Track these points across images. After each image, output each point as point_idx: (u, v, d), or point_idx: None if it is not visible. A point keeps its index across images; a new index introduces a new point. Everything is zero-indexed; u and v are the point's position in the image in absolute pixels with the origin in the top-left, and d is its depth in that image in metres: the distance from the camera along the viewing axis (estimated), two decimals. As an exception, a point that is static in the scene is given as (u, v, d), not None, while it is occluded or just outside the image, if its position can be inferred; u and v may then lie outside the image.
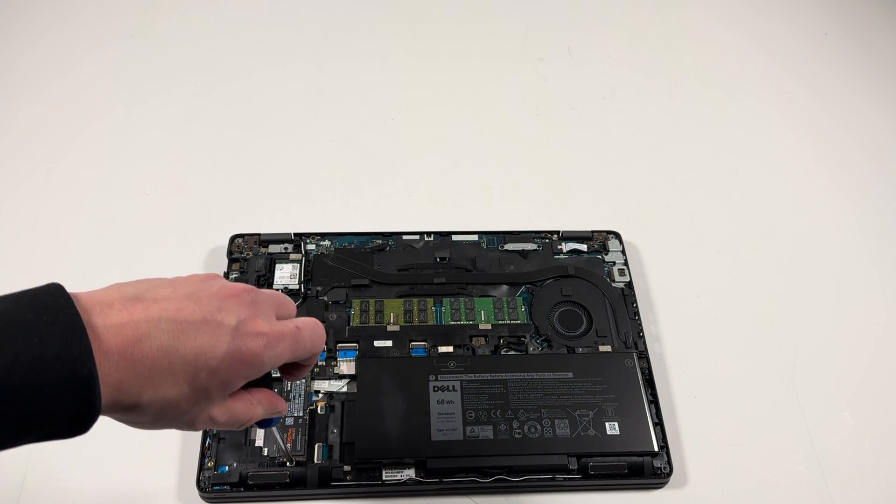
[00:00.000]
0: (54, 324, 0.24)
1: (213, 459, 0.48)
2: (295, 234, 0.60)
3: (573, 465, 0.49)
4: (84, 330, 0.25)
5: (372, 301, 0.56)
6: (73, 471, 0.49)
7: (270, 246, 0.59)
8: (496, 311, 0.56)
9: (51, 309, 0.24)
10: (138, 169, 0.67)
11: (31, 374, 0.23)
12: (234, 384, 0.30)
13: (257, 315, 0.31)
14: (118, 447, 0.50)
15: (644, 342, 0.56)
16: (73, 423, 0.26)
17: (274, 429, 0.49)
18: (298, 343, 0.32)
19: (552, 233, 0.62)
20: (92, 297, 0.27)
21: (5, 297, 0.25)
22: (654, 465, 0.49)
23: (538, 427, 0.49)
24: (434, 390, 0.50)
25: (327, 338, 0.53)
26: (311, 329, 0.33)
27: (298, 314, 0.34)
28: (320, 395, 0.51)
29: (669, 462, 0.50)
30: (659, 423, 0.51)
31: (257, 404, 0.32)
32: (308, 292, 0.57)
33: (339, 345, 0.54)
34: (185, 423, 0.30)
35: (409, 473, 0.48)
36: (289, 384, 0.51)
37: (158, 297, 0.29)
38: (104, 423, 0.53)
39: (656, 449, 0.49)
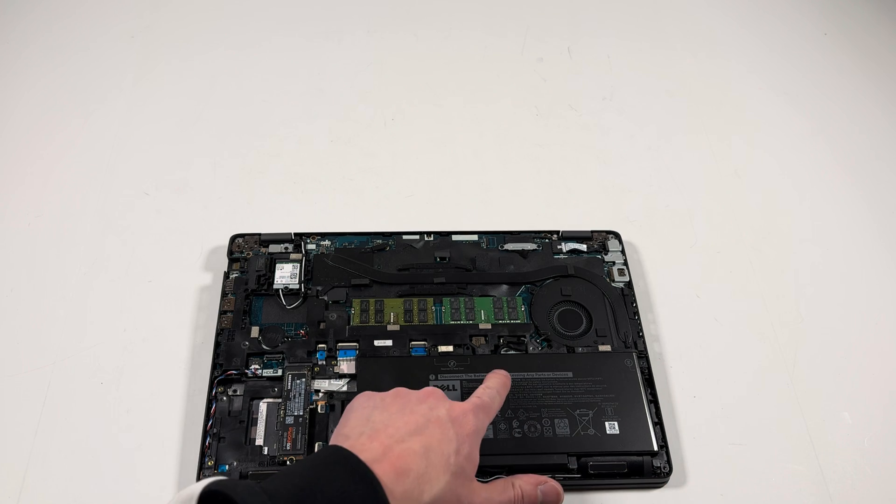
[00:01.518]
0: (352, 474, 0.33)
1: (214, 458, 0.48)
2: (295, 234, 0.60)
3: (573, 465, 0.49)
4: (370, 471, 0.33)
5: (372, 301, 0.56)
6: (73, 470, 0.49)
7: (271, 246, 0.59)
8: (496, 310, 0.56)
9: (346, 466, 0.33)
10: (138, 169, 0.67)
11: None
12: (475, 454, 0.38)
13: (451, 402, 0.40)
14: (118, 446, 0.50)
15: (644, 342, 0.56)
16: None
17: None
18: (492, 403, 0.41)
19: (552, 233, 0.62)
20: (354, 446, 0.35)
21: (325, 465, 0.33)
22: (654, 464, 0.49)
23: (538, 426, 0.49)
24: (434, 390, 0.51)
25: (327, 337, 0.54)
26: (496, 383, 0.44)
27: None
28: (320, 395, 0.51)
29: (669, 462, 0.50)
30: (658, 423, 0.51)
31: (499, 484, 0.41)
32: (308, 292, 0.57)
33: (340, 344, 0.54)
34: None
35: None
36: (290, 383, 0.51)
37: (387, 423, 0.37)
38: (103, 422, 0.53)
39: (656, 448, 0.49)
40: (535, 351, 0.54)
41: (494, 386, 0.43)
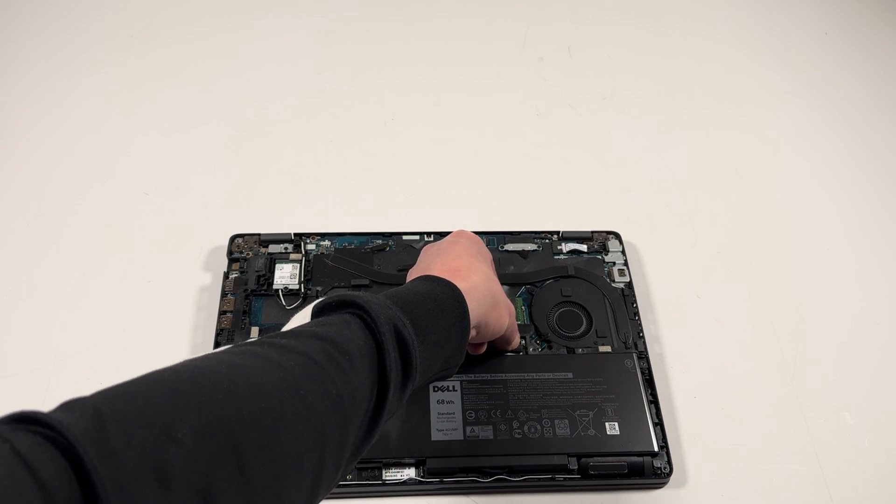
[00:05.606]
0: (439, 283, 0.42)
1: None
2: (295, 234, 0.60)
3: (573, 465, 0.49)
4: (445, 279, 0.42)
5: (372, 301, 0.56)
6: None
7: (270, 246, 0.59)
8: (496, 311, 0.56)
9: (431, 279, 0.42)
10: (138, 169, 0.67)
11: (444, 305, 0.40)
12: (491, 260, 0.54)
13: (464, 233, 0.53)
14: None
15: (644, 342, 0.56)
16: (460, 333, 0.41)
17: None
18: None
19: (552, 233, 0.62)
20: (448, 272, 0.44)
21: (407, 283, 0.43)
22: (654, 465, 0.49)
23: (538, 427, 0.49)
24: (434, 390, 0.50)
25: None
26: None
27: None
28: (320, 395, 0.51)
29: (669, 462, 0.50)
30: (659, 423, 0.51)
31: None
32: (308, 292, 0.57)
33: (339, 345, 0.54)
34: (501, 299, 0.47)
35: (410, 473, 0.48)
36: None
37: (430, 255, 0.49)
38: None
39: (656, 449, 0.49)
40: (535, 352, 0.54)
41: None
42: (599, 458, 0.49)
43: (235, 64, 0.76)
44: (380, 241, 0.60)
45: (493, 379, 0.51)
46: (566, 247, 0.61)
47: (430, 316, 0.38)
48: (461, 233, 0.52)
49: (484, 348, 0.51)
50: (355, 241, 0.60)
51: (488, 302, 0.45)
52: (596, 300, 0.58)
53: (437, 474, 0.48)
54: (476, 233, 0.61)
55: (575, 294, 0.58)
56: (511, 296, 0.57)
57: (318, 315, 0.37)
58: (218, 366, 0.29)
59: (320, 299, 0.38)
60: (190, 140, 0.69)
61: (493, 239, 0.61)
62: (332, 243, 0.60)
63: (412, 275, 0.47)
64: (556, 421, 0.50)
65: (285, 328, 0.36)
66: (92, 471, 0.22)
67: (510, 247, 0.61)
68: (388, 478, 0.48)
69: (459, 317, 0.40)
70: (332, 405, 0.30)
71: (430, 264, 0.47)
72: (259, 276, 0.57)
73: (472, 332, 0.43)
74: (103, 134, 0.69)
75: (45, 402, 0.52)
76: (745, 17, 0.87)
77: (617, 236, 0.62)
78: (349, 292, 0.37)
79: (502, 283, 0.58)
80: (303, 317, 0.38)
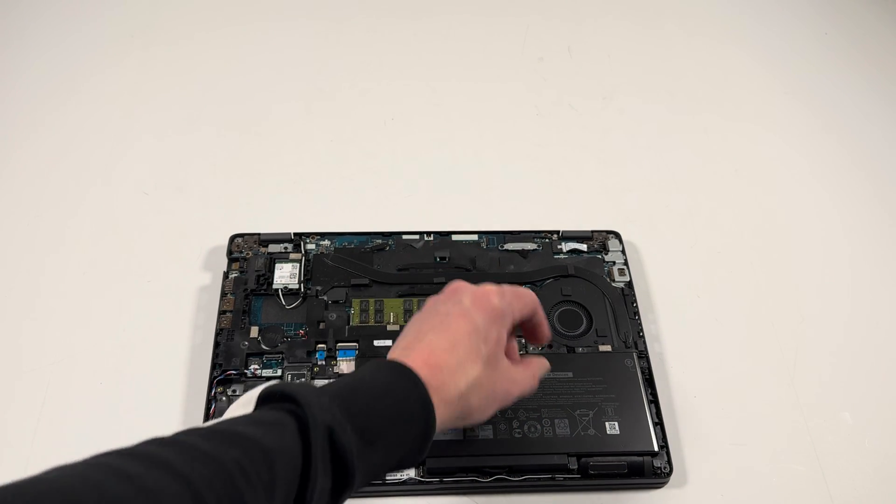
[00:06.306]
0: (391, 372, 0.36)
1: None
2: (295, 234, 0.60)
3: (573, 465, 0.49)
4: (408, 368, 0.36)
5: (372, 301, 0.56)
6: (72, 470, 0.49)
7: (270, 246, 0.59)
8: (496, 310, 0.56)
9: (386, 367, 0.36)
10: (138, 169, 0.67)
11: (404, 408, 0.35)
12: (502, 337, 0.41)
13: (473, 286, 0.42)
14: (117, 445, 0.50)
15: (644, 342, 0.56)
16: (422, 438, 0.35)
17: None
18: (507, 289, 0.42)
19: (552, 232, 0.62)
20: (390, 356, 0.38)
21: (368, 369, 0.37)
22: (654, 464, 0.49)
23: (538, 427, 0.49)
24: (434, 390, 0.50)
25: (327, 337, 0.54)
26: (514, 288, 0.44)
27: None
28: (320, 395, 0.51)
29: (669, 462, 0.50)
30: (659, 423, 0.51)
31: (534, 362, 0.44)
32: (308, 292, 0.57)
33: (339, 344, 0.54)
34: (501, 395, 0.40)
35: (409, 473, 0.48)
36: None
37: (416, 330, 0.40)
38: (103, 422, 0.53)
39: (656, 449, 0.49)
40: (535, 351, 0.54)
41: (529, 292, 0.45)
42: (599, 458, 0.49)
43: (236, 64, 0.76)
44: (380, 241, 0.60)
45: None
46: (566, 246, 0.61)
47: (384, 418, 0.34)
48: (460, 291, 0.42)
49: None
50: (355, 241, 0.60)
51: (474, 405, 0.38)
52: (596, 300, 0.57)
53: (437, 474, 0.48)
54: (476, 232, 0.61)
55: (575, 293, 0.58)
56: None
57: (262, 403, 0.34)
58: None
59: (269, 384, 0.34)
60: (190, 140, 0.69)
61: (493, 239, 0.61)
62: (331, 243, 0.60)
63: (396, 346, 0.40)
64: (556, 420, 0.50)
65: (226, 413, 0.34)
66: None
67: (510, 246, 0.61)
68: (387, 477, 0.48)
69: (421, 423, 0.35)
70: None
71: (413, 341, 0.39)
72: (259, 276, 0.57)
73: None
74: (103, 134, 0.69)
75: (44, 402, 0.52)
76: (745, 17, 0.87)
77: (617, 236, 0.62)
78: (296, 384, 0.33)
79: (502, 283, 0.58)
80: (246, 401, 0.35)
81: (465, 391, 0.37)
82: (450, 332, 0.38)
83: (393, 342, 0.53)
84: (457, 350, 0.38)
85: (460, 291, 0.41)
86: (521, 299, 0.43)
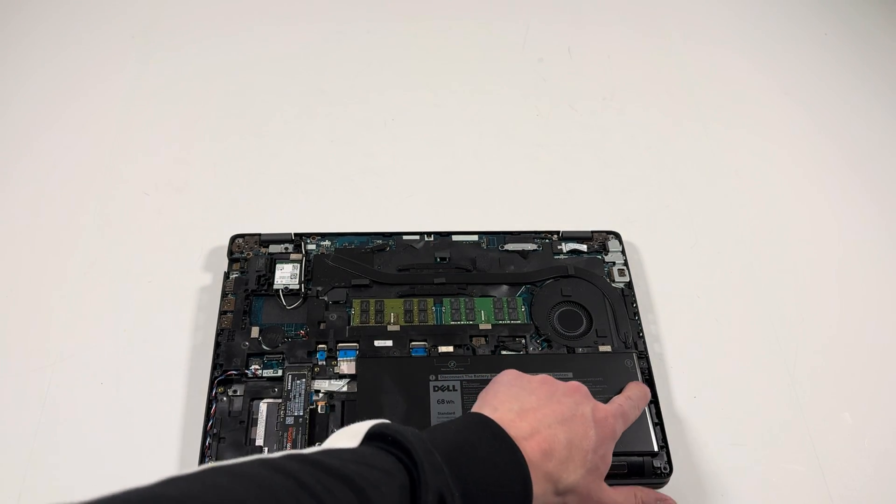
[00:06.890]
0: (501, 444, 0.36)
1: (214, 458, 0.48)
2: (295, 234, 0.60)
3: (573, 465, 0.49)
4: (517, 446, 0.36)
5: (372, 301, 0.56)
6: (72, 471, 0.49)
7: (271, 246, 0.59)
8: (496, 311, 0.56)
9: (496, 435, 0.36)
10: (138, 169, 0.67)
11: (506, 485, 0.35)
12: (609, 456, 0.41)
13: (595, 402, 0.42)
14: (118, 447, 0.50)
15: (644, 342, 0.56)
16: None
17: None
18: (630, 413, 0.45)
19: (552, 233, 0.62)
20: (502, 419, 0.37)
21: (454, 425, 0.36)
22: (654, 465, 0.49)
23: (538, 427, 0.49)
24: (434, 390, 0.50)
25: (328, 338, 0.54)
26: (637, 395, 0.47)
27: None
28: (320, 395, 0.51)
29: (669, 462, 0.50)
30: (659, 423, 0.51)
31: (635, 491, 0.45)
32: (308, 292, 0.57)
33: (340, 345, 0.54)
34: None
35: (410, 473, 0.48)
36: (290, 384, 0.51)
37: (536, 407, 0.39)
38: (103, 422, 0.53)
39: (656, 449, 0.49)
40: (536, 351, 0.54)
41: (635, 398, 0.47)
42: (599, 458, 0.49)
43: (236, 64, 0.76)
44: (380, 241, 0.60)
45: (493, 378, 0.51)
46: (566, 247, 0.61)
47: (488, 493, 0.33)
48: (581, 392, 0.42)
49: None
50: (355, 241, 0.60)
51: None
52: (596, 300, 0.58)
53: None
54: (476, 233, 0.61)
55: (575, 294, 0.58)
56: (511, 295, 0.57)
57: (371, 439, 0.34)
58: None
59: (379, 422, 0.35)
60: (190, 140, 0.69)
61: (494, 239, 0.61)
62: (332, 243, 0.60)
63: (485, 400, 0.40)
64: (557, 421, 0.50)
65: (331, 440, 0.35)
66: None
67: (510, 247, 0.61)
68: None
69: (520, 498, 0.35)
70: None
71: (534, 424, 0.38)
72: (259, 277, 0.57)
73: None
74: (104, 134, 0.69)
75: (44, 402, 0.52)
76: (746, 18, 0.87)
77: (617, 236, 0.62)
78: (408, 432, 0.33)
79: (502, 283, 0.58)
80: (352, 434, 0.35)
81: (563, 490, 0.37)
82: (569, 428, 0.39)
83: (393, 343, 0.54)
84: (570, 447, 0.38)
85: (583, 396, 0.42)
86: (629, 422, 0.45)
